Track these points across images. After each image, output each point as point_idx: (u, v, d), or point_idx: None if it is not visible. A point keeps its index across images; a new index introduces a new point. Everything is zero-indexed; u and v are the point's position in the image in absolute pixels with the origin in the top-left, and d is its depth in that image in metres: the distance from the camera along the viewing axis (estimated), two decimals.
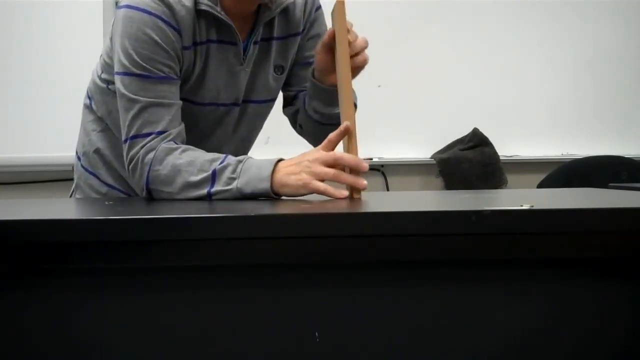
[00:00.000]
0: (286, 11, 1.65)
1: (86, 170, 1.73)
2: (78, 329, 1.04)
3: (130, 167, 1.50)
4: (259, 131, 1.78)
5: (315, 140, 1.71)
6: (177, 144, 1.48)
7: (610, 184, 1.87)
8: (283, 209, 1.24)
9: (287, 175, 1.38)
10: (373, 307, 1.06)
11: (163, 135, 1.48)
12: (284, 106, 1.81)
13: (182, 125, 1.52)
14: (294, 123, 1.79)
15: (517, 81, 3.58)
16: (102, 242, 1.02)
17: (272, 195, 1.39)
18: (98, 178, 1.71)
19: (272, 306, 1.05)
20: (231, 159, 1.44)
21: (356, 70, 1.47)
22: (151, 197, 1.49)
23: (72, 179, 1.79)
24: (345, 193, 1.36)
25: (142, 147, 1.47)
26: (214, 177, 1.42)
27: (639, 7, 3.65)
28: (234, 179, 1.41)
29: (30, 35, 3.30)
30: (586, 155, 3.42)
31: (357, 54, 1.46)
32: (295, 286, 1.06)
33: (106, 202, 1.50)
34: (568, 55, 3.60)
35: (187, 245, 1.04)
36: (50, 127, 3.24)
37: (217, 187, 1.41)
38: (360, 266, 1.06)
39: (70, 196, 1.79)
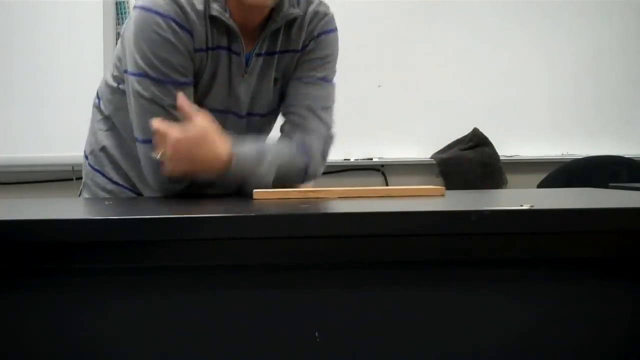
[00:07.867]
0: (292, 25, 1.65)
1: (93, 168, 1.74)
2: (78, 329, 1.04)
3: (151, 169, 1.53)
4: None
5: None
6: None
7: (610, 184, 1.87)
8: (283, 209, 1.24)
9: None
10: (373, 307, 1.06)
11: None
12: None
13: None
14: None
15: (517, 81, 3.58)
16: (102, 242, 1.02)
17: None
18: (105, 176, 1.72)
19: (272, 306, 1.05)
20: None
21: None
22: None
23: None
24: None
25: None
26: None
27: (639, 7, 3.65)
28: None
29: (29, 36, 3.30)
30: (586, 155, 3.42)
31: None
32: (295, 286, 1.06)
33: (106, 202, 1.50)
34: (568, 55, 3.60)
35: (187, 245, 1.04)
36: (50, 127, 3.24)
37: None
38: (359, 266, 1.06)
39: (79, 195, 1.80)
